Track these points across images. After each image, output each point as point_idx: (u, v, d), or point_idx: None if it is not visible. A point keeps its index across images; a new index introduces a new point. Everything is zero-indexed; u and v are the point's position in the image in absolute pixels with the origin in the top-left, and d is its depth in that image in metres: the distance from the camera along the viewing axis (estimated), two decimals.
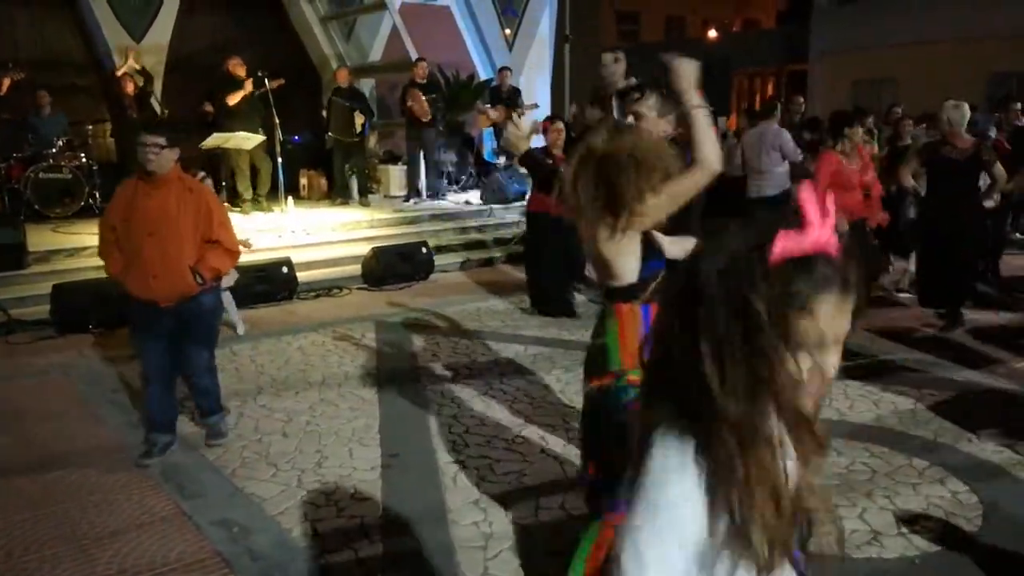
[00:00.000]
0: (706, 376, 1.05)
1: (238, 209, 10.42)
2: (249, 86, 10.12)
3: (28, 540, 3.62)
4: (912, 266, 7.50)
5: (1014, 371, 5.62)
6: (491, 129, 12.63)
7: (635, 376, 2.65)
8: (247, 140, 10.04)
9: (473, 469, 4.25)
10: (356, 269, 8.75)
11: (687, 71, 2.76)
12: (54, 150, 9.86)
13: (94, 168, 10.12)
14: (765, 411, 1.07)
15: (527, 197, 8.55)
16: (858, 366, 5.58)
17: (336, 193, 11.77)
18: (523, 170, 9.83)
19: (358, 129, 11.17)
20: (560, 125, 7.62)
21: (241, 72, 10.29)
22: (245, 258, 7.74)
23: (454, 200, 11.86)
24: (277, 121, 10.02)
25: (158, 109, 10.76)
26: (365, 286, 8.61)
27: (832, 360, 1.09)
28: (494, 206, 11.23)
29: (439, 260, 9.28)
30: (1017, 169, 7.24)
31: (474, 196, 11.81)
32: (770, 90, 27.36)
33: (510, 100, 11.98)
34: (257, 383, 5.67)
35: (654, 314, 2.69)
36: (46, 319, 7.00)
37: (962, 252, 6.60)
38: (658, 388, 1.15)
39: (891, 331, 6.54)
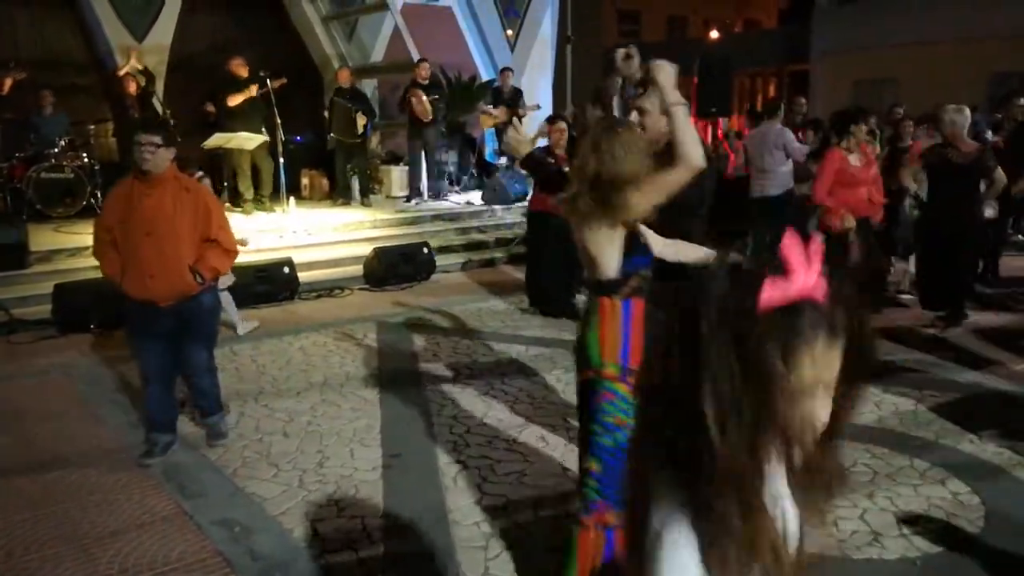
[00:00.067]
0: (709, 434, 1.05)
1: (240, 209, 10.43)
2: (253, 90, 10.13)
3: (29, 540, 3.62)
4: (912, 267, 7.50)
5: (1015, 372, 5.62)
6: (493, 130, 12.62)
7: (612, 370, 2.69)
8: (249, 140, 10.04)
9: (474, 469, 4.25)
10: (358, 269, 8.76)
11: (667, 70, 2.84)
12: (56, 150, 9.86)
13: (96, 168, 10.12)
14: (763, 468, 1.08)
15: (528, 197, 8.55)
16: None
17: (338, 193, 11.77)
18: (525, 172, 9.85)
19: (360, 130, 11.16)
20: (562, 125, 7.62)
21: (244, 72, 10.30)
22: (247, 258, 7.77)
23: (455, 201, 11.86)
24: (279, 121, 10.02)
25: (160, 109, 10.76)
26: (367, 286, 8.61)
27: (823, 407, 1.10)
28: (495, 207, 11.23)
29: (440, 261, 9.29)
30: (1017, 168, 7.25)
31: (475, 197, 11.80)
32: (771, 90, 27.38)
33: (512, 101, 11.98)
34: (258, 383, 5.67)
35: (635, 311, 2.74)
36: (47, 319, 7.01)
37: (963, 253, 6.62)
38: (654, 429, 1.14)
39: (892, 332, 6.54)
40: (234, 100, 10.14)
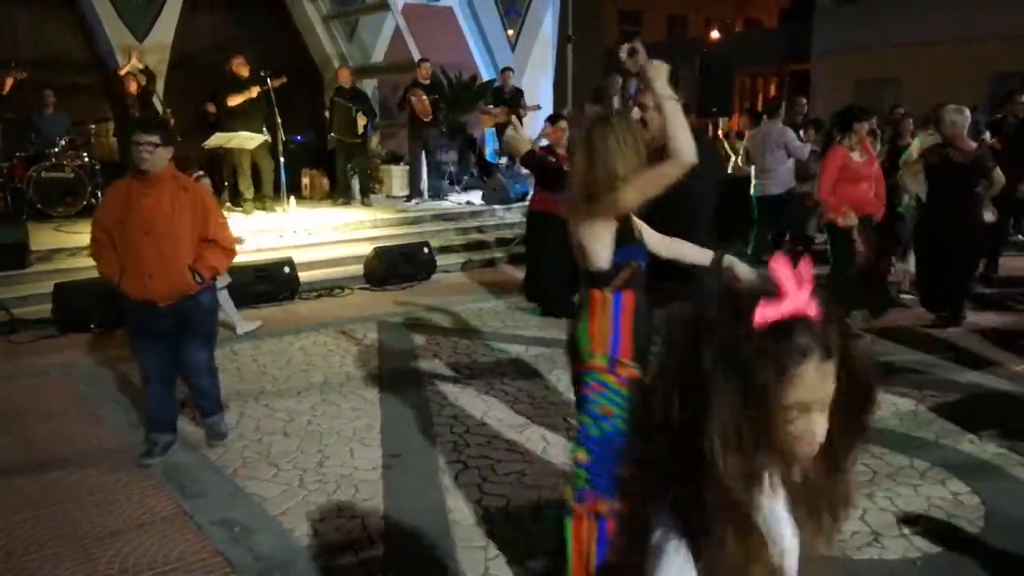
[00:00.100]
0: (712, 467, 1.06)
1: (240, 209, 10.44)
2: (254, 92, 10.13)
3: (29, 540, 3.62)
4: (911, 266, 7.50)
5: (1015, 372, 5.62)
6: (493, 130, 12.62)
7: (601, 362, 2.72)
8: (250, 140, 10.05)
9: (474, 469, 4.25)
10: (358, 269, 8.76)
11: (659, 66, 2.86)
12: (56, 149, 9.88)
13: (96, 167, 10.13)
14: (759, 491, 1.09)
15: (529, 197, 8.55)
16: None
17: (338, 193, 11.78)
18: (525, 171, 9.86)
19: (360, 130, 11.17)
20: (563, 124, 7.62)
21: (245, 72, 10.30)
22: (247, 258, 7.78)
23: (456, 200, 11.86)
24: (279, 121, 10.03)
25: (160, 108, 10.77)
26: (367, 286, 8.61)
27: (819, 424, 1.10)
28: (496, 206, 11.23)
29: (441, 260, 9.29)
30: (1017, 168, 7.26)
31: (476, 196, 11.80)
32: (772, 90, 27.37)
33: (512, 101, 11.98)
34: (259, 383, 5.67)
35: (626, 302, 2.76)
36: (48, 318, 7.01)
37: (963, 253, 6.62)
38: (656, 467, 1.15)
39: (892, 332, 6.54)
40: (233, 100, 10.14)
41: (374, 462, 4.36)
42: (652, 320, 2.85)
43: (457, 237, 10.37)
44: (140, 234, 4.18)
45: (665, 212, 2.97)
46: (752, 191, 9.06)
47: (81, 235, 8.51)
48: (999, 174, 6.49)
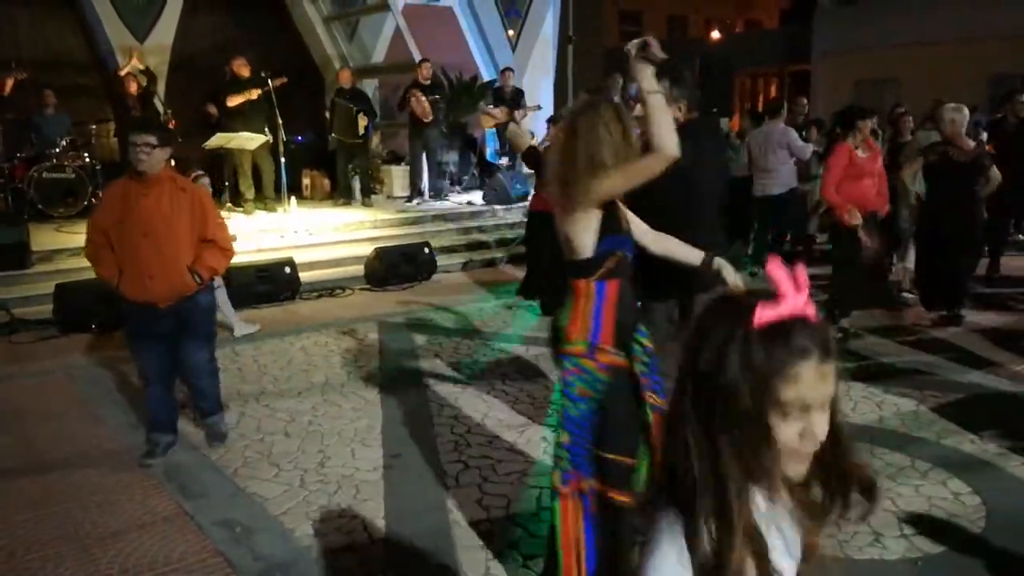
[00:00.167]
0: (722, 470, 1.08)
1: (241, 209, 10.44)
2: (254, 94, 10.13)
3: (30, 540, 3.62)
4: (911, 264, 7.50)
5: (1016, 372, 5.62)
6: (493, 130, 12.63)
7: (581, 347, 2.74)
8: (250, 140, 10.05)
9: (475, 469, 4.25)
10: (359, 269, 8.76)
11: (643, 67, 2.84)
12: (57, 150, 9.89)
13: (97, 168, 10.14)
14: (755, 494, 1.11)
15: (529, 197, 8.55)
16: (860, 368, 5.59)
17: (339, 193, 11.78)
18: (527, 169, 9.86)
19: (361, 130, 11.17)
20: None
21: (246, 72, 10.31)
22: (248, 258, 7.79)
23: (456, 201, 11.87)
24: (280, 121, 10.03)
25: (161, 109, 10.77)
26: (368, 286, 8.61)
27: (819, 423, 1.11)
28: (496, 207, 11.23)
29: (441, 261, 9.29)
30: (1016, 167, 7.28)
31: (476, 197, 11.81)
32: (773, 90, 27.38)
33: (513, 101, 11.98)
34: (260, 383, 5.67)
35: (610, 291, 2.76)
36: (49, 318, 7.02)
37: (963, 252, 6.62)
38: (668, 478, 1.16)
39: (893, 332, 6.54)
40: (233, 101, 10.15)
41: (375, 462, 4.36)
42: (637, 309, 2.87)
43: (458, 237, 10.37)
44: (139, 235, 4.17)
45: (671, 204, 2.97)
46: (753, 191, 9.06)
47: (82, 236, 8.46)
48: (995, 172, 6.51)
